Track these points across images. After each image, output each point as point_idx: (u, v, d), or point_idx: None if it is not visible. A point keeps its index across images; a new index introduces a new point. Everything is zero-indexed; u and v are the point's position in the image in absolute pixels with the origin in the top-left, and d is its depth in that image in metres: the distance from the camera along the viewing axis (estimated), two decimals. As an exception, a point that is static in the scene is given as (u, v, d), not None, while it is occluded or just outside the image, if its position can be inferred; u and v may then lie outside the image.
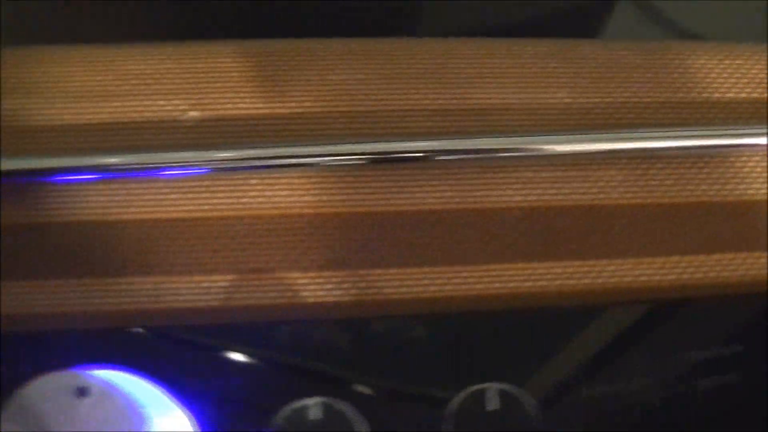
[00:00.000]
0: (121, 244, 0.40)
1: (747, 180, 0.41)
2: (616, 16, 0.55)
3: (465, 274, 0.40)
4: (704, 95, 0.41)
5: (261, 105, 0.41)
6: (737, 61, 0.42)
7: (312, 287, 0.39)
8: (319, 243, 0.40)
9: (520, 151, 0.40)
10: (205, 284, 0.39)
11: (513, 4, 0.57)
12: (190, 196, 0.40)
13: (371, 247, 0.40)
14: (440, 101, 0.41)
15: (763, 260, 0.41)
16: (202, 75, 0.41)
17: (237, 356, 0.40)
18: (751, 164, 0.41)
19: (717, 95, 0.41)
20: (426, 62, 0.41)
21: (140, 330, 0.39)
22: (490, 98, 0.41)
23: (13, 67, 0.42)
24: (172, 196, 0.40)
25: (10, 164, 0.39)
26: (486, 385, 0.37)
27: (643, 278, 0.40)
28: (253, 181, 0.40)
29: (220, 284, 0.39)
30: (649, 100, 0.41)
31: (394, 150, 0.40)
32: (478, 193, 0.40)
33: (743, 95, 0.42)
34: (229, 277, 0.39)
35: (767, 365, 0.41)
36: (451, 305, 0.40)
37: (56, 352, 0.39)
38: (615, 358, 0.41)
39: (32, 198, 0.40)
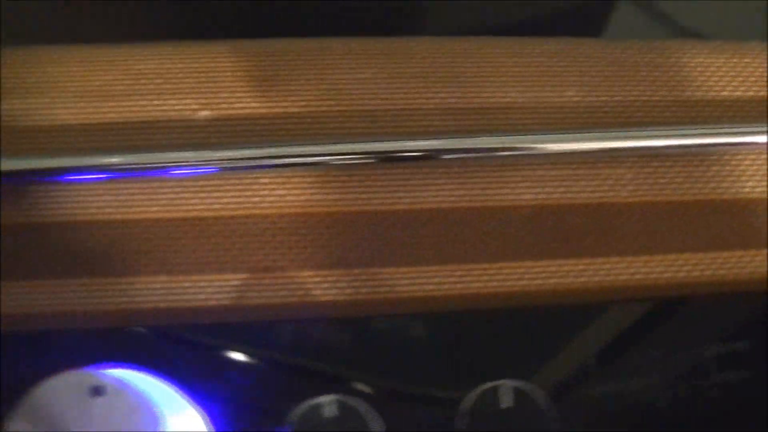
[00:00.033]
0: (124, 244, 0.40)
1: (749, 178, 0.42)
2: (618, 15, 0.55)
3: (476, 272, 0.40)
4: (711, 93, 0.42)
5: (271, 104, 0.41)
6: (745, 60, 0.42)
7: (324, 285, 0.39)
8: (329, 241, 0.40)
9: (528, 150, 0.40)
10: (218, 283, 0.39)
11: (514, 4, 0.57)
12: (201, 195, 0.40)
13: (381, 245, 0.40)
14: (449, 100, 0.41)
15: (764, 258, 0.41)
16: (212, 74, 0.41)
17: (248, 355, 0.40)
18: (748, 162, 0.42)
19: (724, 93, 0.42)
20: (434, 61, 0.42)
21: (151, 329, 0.39)
22: (497, 97, 0.41)
23: (13, 67, 0.41)
24: (183, 194, 0.40)
25: (10, 164, 0.39)
26: (499, 382, 0.37)
27: (653, 275, 0.40)
28: (264, 180, 0.40)
29: (231, 283, 0.39)
30: (657, 98, 0.41)
31: (402, 149, 0.40)
32: (488, 192, 0.40)
33: (750, 93, 0.42)
34: (240, 275, 0.39)
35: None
36: (462, 303, 0.40)
37: (68, 351, 0.39)
38: (622, 355, 0.42)
39: (35, 198, 0.40)
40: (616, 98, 0.41)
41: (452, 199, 0.40)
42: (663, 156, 0.41)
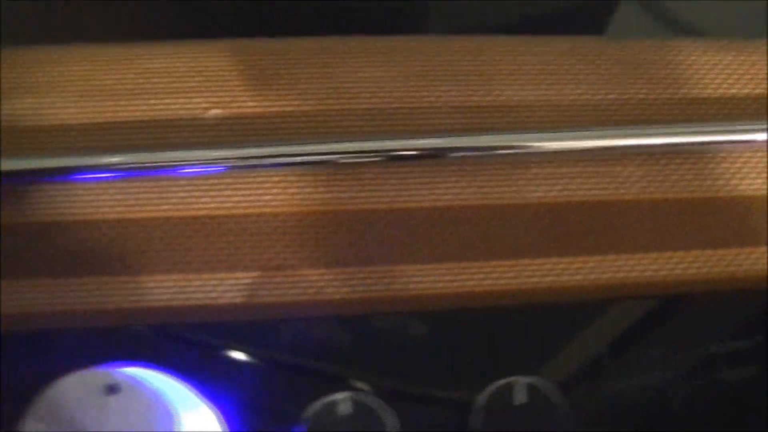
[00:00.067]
0: (136, 243, 0.40)
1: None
2: (619, 14, 0.56)
3: (487, 270, 0.40)
4: (719, 91, 0.42)
5: (280, 103, 0.41)
6: (752, 58, 0.42)
7: (335, 283, 0.39)
8: (340, 239, 0.40)
9: (535, 148, 0.40)
10: (229, 281, 0.39)
11: (515, 4, 0.57)
12: (211, 193, 0.40)
13: (390, 243, 0.40)
14: (456, 98, 0.41)
15: (765, 255, 0.42)
16: (221, 73, 0.41)
17: (260, 353, 0.40)
18: (746, 159, 0.42)
19: (732, 91, 0.42)
20: (442, 60, 0.42)
21: (162, 328, 0.39)
22: (505, 95, 0.41)
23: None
24: (194, 193, 0.40)
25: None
26: (513, 378, 0.38)
27: (661, 272, 0.41)
28: (275, 179, 0.40)
29: (243, 281, 0.39)
30: (665, 96, 0.42)
31: (410, 147, 0.40)
32: (496, 190, 0.40)
33: (758, 91, 0.42)
34: (252, 274, 0.39)
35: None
36: (473, 301, 0.40)
37: (81, 350, 0.39)
38: (629, 352, 0.42)
39: (41, 197, 0.40)
40: (624, 96, 0.41)
41: (462, 197, 0.40)
42: (671, 154, 0.41)
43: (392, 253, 0.40)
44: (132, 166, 0.39)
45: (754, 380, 0.41)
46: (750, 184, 0.42)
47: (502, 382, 0.38)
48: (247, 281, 0.39)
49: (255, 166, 0.40)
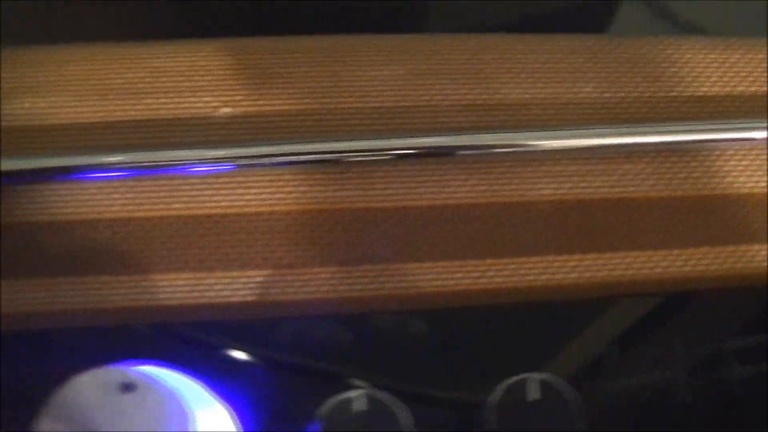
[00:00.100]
0: (147, 241, 0.40)
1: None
2: (621, 13, 0.56)
3: (498, 267, 0.40)
4: (726, 89, 0.42)
5: (291, 101, 0.41)
6: (759, 56, 0.43)
7: (348, 281, 0.40)
8: (353, 238, 0.40)
9: (547, 146, 0.41)
10: (242, 280, 0.39)
11: (517, 3, 0.57)
12: (223, 192, 0.40)
13: (403, 241, 0.40)
14: (468, 96, 0.41)
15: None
16: (232, 72, 0.41)
17: (274, 352, 0.40)
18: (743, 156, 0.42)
19: (740, 89, 0.42)
20: (454, 58, 0.42)
21: (176, 326, 0.39)
22: (517, 93, 0.42)
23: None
24: (206, 192, 0.40)
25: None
26: (526, 375, 0.38)
27: (671, 269, 0.41)
28: (287, 177, 0.40)
29: (255, 279, 0.39)
30: (674, 94, 0.42)
31: (422, 145, 0.40)
32: (508, 187, 0.41)
33: (754, 89, 0.43)
34: (264, 272, 0.39)
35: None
36: (484, 298, 0.40)
37: (92, 349, 0.39)
38: (635, 350, 0.42)
39: (51, 195, 0.40)
40: (633, 94, 0.42)
41: (473, 194, 0.40)
42: (679, 151, 0.41)
43: (402, 251, 0.40)
44: (133, 165, 0.39)
45: (760, 378, 0.41)
46: (755, 182, 0.42)
47: (515, 378, 0.38)
48: (259, 279, 0.39)
49: (264, 165, 0.40)
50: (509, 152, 0.40)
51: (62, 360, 0.38)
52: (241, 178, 0.40)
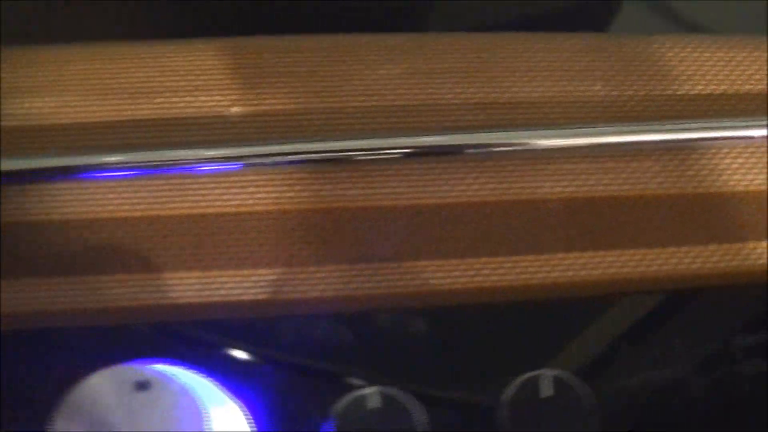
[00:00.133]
0: (158, 240, 0.40)
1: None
2: (624, 12, 0.56)
3: (508, 265, 0.40)
4: (734, 87, 0.42)
5: (302, 100, 0.41)
6: (765, 54, 0.43)
7: (359, 279, 0.40)
8: (364, 236, 0.40)
9: (555, 144, 0.41)
10: (253, 278, 0.39)
11: (518, 3, 0.57)
12: (233, 190, 0.40)
13: (414, 239, 0.40)
14: (478, 95, 0.41)
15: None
16: (243, 70, 0.41)
17: (286, 350, 0.40)
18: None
19: (747, 87, 0.42)
20: (463, 57, 0.42)
21: (187, 325, 0.39)
22: (525, 92, 0.42)
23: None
24: (216, 190, 0.40)
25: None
26: (539, 372, 0.38)
27: (681, 266, 0.41)
28: (298, 175, 0.40)
29: (266, 278, 0.39)
30: (681, 92, 0.42)
31: (431, 143, 0.41)
32: (517, 186, 0.41)
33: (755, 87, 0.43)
34: (275, 270, 0.39)
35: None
36: (494, 295, 0.40)
37: (103, 348, 0.39)
38: (643, 347, 0.42)
39: (59, 194, 0.40)
40: (641, 92, 0.42)
41: (483, 193, 0.40)
42: (688, 149, 0.41)
43: (412, 249, 0.40)
44: (134, 165, 0.39)
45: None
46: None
47: (528, 375, 0.38)
48: (270, 277, 0.39)
49: (272, 164, 0.40)
50: (518, 150, 0.41)
51: (66, 360, 0.38)
52: (252, 177, 0.40)
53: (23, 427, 0.39)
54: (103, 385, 0.35)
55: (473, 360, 0.41)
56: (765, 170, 0.42)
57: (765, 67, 0.43)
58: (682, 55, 0.43)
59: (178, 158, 0.40)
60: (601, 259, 0.41)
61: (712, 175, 0.42)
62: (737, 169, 0.42)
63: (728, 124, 0.42)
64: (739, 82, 0.43)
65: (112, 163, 0.39)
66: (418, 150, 0.41)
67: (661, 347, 0.42)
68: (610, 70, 0.42)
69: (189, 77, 0.41)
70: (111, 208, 0.39)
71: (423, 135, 0.41)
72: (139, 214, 0.39)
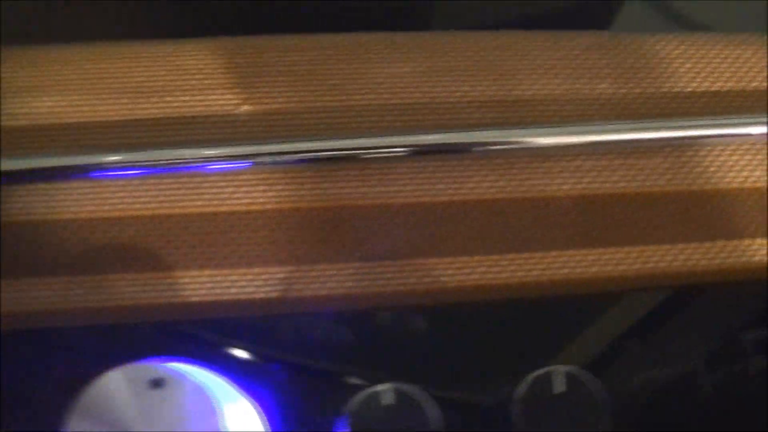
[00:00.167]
0: (170, 239, 0.40)
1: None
2: (625, 11, 0.57)
3: (519, 262, 0.40)
4: (740, 85, 0.43)
5: (311, 98, 0.41)
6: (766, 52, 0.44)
7: (371, 276, 0.40)
8: (375, 233, 0.40)
9: (564, 141, 0.41)
10: (264, 276, 0.39)
11: (518, 3, 0.58)
12: (244, 188, 0.40)
13: (425, 236, 0.40)
14: (487, 93, 0.42)
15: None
16: (252, 69, 0.41)
17: (299, 347, 0.40)
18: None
19: (754, 84, 0.43)
20: (472, 55, 0.42)
21: (199, 323, 0.39)
22: (534, 89, 0.42)
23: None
24: (227, 189, 0.40)
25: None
26: (551, 368, 0.38)
27: (690, 262, 0.41)
28: (309, 173, 0.40)
29: (278, 276, 0.39)
30: (689, 90, 0.42)
31: (441, 141, 0.41)
32: (527, 183, 0.41)
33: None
34: (287, 268, 0.39)
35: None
36: (505, 293, 0.41)
37: (116, 346, 0.39)
38: (653, 342, 0.42)
39: (67, 193, 0.39)
40: (649, 90, 0.42)
41: (493, 190, 0.41)
42: (697, 146, 0.42)
43: (423, 247, 0.40)
44: (135, 164, 0.39)
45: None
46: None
47: (541, 371, 0.38)
48: (281, 276, 0.39)
49: (282, 162, 0.40)
50: (527, 148, 0.41)
51: (71, 360, 0.38)
52: (262, 175, 0.40)
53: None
54: (118, 383, 0.35)
55: (481, 358, 0.41)
56: (765, 167, 0.43)
57: (765, 65, 0.44)
58: (690, 52, 0.43)
59: (182, 157, 0.40)
60: (611, 256, 0.41)
61: (714, 172, 0.42)
62: (738, 166, 0.42)
63: (729, 121, 0.42)
64: (746, 79, 0.43)
65: (117, 163, 0.39)
66: (427, 148, 0.41)
67: (669, 343, 0.42)
68: (618, 67, 0.42)
69: (191, 76, 0.41)
70: (122, 206, 0.39)
71: (431, 133, 0.41)
72: (150, 212, 0.39)
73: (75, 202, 0.39)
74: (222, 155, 0.39)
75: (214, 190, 0.40)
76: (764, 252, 0.42)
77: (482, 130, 0.41)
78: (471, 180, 0.41)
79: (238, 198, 0.40)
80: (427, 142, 0.41)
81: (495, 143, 0.41)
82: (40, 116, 0.40)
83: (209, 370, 0.37)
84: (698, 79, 0.42)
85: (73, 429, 0.34)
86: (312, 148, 0.40)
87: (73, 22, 0.56)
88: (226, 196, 0.40)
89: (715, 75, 0.43)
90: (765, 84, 0.43)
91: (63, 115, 0.40)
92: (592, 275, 0.41)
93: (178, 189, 0.39)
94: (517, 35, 0.43)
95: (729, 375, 0.41)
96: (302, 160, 0.40)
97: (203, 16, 0.58)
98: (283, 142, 0.40)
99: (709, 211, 0.42)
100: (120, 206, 0.39)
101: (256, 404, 0.38)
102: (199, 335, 0.40)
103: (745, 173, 0.42)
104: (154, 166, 0.39)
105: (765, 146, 0.43)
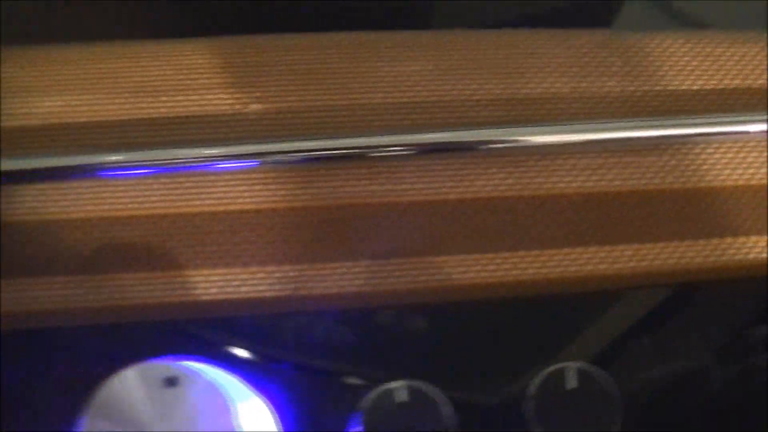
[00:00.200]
0: (181, 238, 0.40)
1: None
2: (625, 11, 0.57)
3: (528, 259, 0.41)
4: (746, 83, 0.43)
5: (320, 97, 0.41)
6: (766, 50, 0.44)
7: (382, 274, 0.40)
8: (385, 231, 0.40)
9: (572, 139, 0.41)
10: (277, 274, 0.39)
11: (519, 3, 0.58)
12: (256, 187, 0.40)
13: (435, 234, 0.40)
14: (495, 91, 0.42)
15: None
16: (260, 68, 0.41)
17: (312, 345, 0.40)
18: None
19: (760, 82, 0.43)
20: (480, 53, 0.42)
21: (212, 322, 0.39)
22: (543, 88, 0.42)
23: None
24: (238, 188, 0.40)
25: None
26: (564, 364, 0.38)
27: (698, 259, 0.42)
28: (320, 172, 0.40)
29: (290, 274, 0.39)
30: (695, 88, 0.43)
31: (449, 140, 0.41)
32: (536, 181, 0.41)
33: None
34: (299, 267, 0.39)
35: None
36: (514, 290, 0.41)
37: (128, 345, 0.39)
38: (667, 338, 0.43)
39: (75, 193, 0.39)
40: (657, 87, 0.42)
41: (502, 188, 0.41)
42: (703, 143, 0.42)
43: (432, 244, 0.40)
44: (136, 164, 0.39)
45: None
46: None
47: (553, 368, 0.38)
48: (293, 274, 0.39)
49: (293, 161, 0.40)
50: (536, 146, 0.41)
51: (76, 359, 0.38)
52: (273, 174, 0.40)
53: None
54: (133, 381, 0.35)
55: (491, 355, 0.41)
56: (766, 165, 0.43)
57: (765, 63, 0.44)
58: (696, 50, 0.44)
59: (188, 157, 0.39)
60: (620, 253, 0.41)
61: (714, 170, 0.42)
62: (738, 163, 0.43)
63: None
64: (753, 77, 0.43)
65: (119, 162, 0.39)
66: (434, 146, 0.41)
67: (675, 340, 0.42)
68: (626, 65, 0.42)
69: (192, 76, 0.41)
70: (133, 206, 0.39)
71: (440, 131, 0.41)
72: (161, 211, 0.39)
73: (75, 202, 0.39)
74: (226, 154, 0.39)
75: (224, 190, 0.40)
76: (763, 249, 0.42)
77: (491, 128, 0.41)
78: (479, 178, 0.41)
79: (249, 197, 0.40)
80: (434, 141, 0.41)
81: (502, 141, 0.41)
82: (40, 116, 0.40)
83: (222, 369, 0.37)
84: (705, 77, 0.43)
85: (88, 427, 0.34)
86: (319, 147, 0.40)
87: (73, 22, 0.56)
88: (235, 195, 0.40)
89: (722, 73, 0.43)
90: (761, 81, 0.43)
91: (63, 115, 0.40)
92: (601, 272, 0.41)
93: (190, 188, 0.39)
94: (524, 33, 0.43)
95: (739, 370, 0.41)
96: (309, 159, 0.40)
97: (203, 16, 0.58)
98: (289, 140, 0.40)
99: (705, 209, 0.42)
100: (130, 206, 0.39)
101: (269, 403, 0.38)
102: (212, 335, 0.40)
103: (743, 170, 0.42)
104: (156, 165, 0.39)
105: (765, 144, 0.43)
